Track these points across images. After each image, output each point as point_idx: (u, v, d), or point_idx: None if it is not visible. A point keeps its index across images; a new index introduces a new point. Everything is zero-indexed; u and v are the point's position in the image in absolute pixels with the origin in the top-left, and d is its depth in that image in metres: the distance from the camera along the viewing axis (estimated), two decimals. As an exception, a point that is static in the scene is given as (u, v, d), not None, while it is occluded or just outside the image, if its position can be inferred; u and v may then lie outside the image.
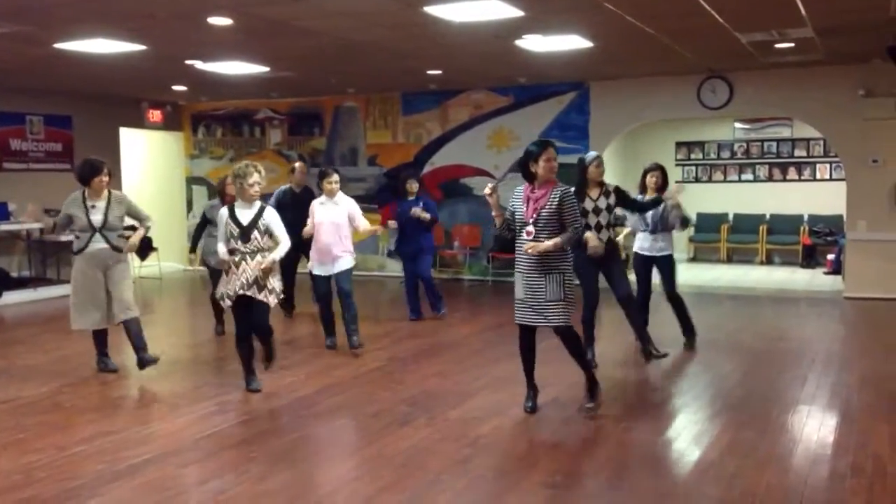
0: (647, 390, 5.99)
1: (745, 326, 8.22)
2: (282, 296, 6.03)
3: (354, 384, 6.19)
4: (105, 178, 6.41)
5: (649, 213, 7.03)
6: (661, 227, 7.13)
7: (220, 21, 6.84)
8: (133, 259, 12.74)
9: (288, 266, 8.95)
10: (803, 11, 6.76)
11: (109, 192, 6.50)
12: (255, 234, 5.77)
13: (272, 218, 5.87)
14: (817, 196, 13.67)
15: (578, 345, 5.32)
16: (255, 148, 13.94)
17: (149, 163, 14.60)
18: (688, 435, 5.03)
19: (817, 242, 13.42)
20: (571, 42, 8.11)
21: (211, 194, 14.17)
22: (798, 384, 6.10)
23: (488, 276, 12.02)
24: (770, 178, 14.12)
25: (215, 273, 7.48)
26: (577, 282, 5.23)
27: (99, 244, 6.40)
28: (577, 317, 5.50)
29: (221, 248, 5.85)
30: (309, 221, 7.23)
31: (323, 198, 7.27)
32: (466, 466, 4.43)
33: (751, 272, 12.95)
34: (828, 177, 13.71)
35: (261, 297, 5.77)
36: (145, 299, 11.62)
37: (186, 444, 4.88)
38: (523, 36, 7.79)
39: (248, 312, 5.83)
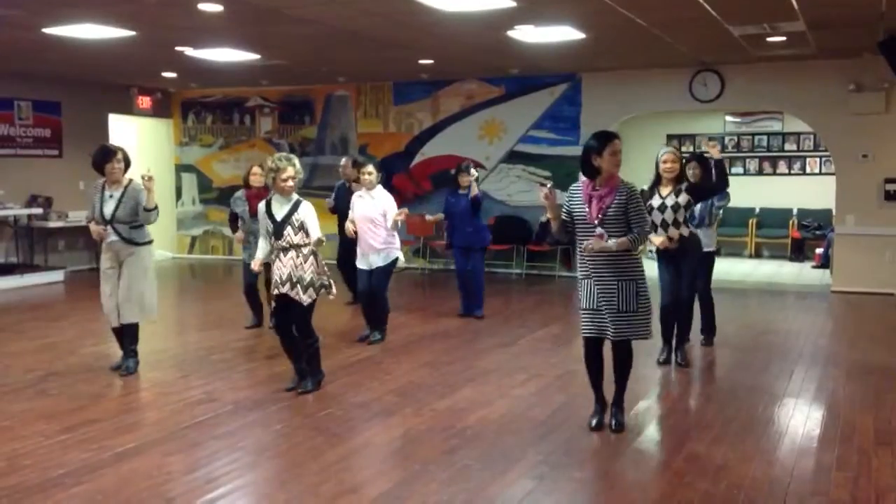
0: (632, 382, 5.99)
1: (733, 319, 8.24)
2: (322, 291, 5.57)
3: (342, 374, 6.18)
4: (119, 165, 6.03)
5: (697, 207, 6.52)
6: (708, 222, 6.75)
7: (210, 7, 6.78)
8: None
9: (348, 261, 8.69)
10: (795, 5, 6.76)
11: (130, 182, 6.11)
12: (289, 229, 5.46)
13: (307, 213, 5.51)
14: (807, 190, 13.71)
15: (629, 367, 4.85)
16: (245, 136, 13.88)
17: (138, 150, 14.44)
18: (674, 427, 5.04)
19: (806, 236, 13.48)
20: (563, 33, 8.09)
21: (200, 182, 14.15)
22: (785, 377, 6.12)
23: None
24: (760, 172, 14.16)
25: (247, 268, 7.40)
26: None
27: (112, 236, 6.07)
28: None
29: (263, 246, 5.67)
30: (350, 216, 7.14)
31: (361, 191, 7.12)
32: (452, 457, 4.43)
33: (740, 265, 12.99)
34: (817, 171, 13.76)
35: (293, 294, 5.44)
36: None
37: (173, 432, 4.86)
38: (515, 26, 7.76)
39: (287, 311, 5.54)
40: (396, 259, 7.15)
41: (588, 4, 6.75)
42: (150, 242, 6.26)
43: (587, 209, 4.65)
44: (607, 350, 4.83)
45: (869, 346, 7.27)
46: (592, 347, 4.83)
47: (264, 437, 4.80)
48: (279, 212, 5.49)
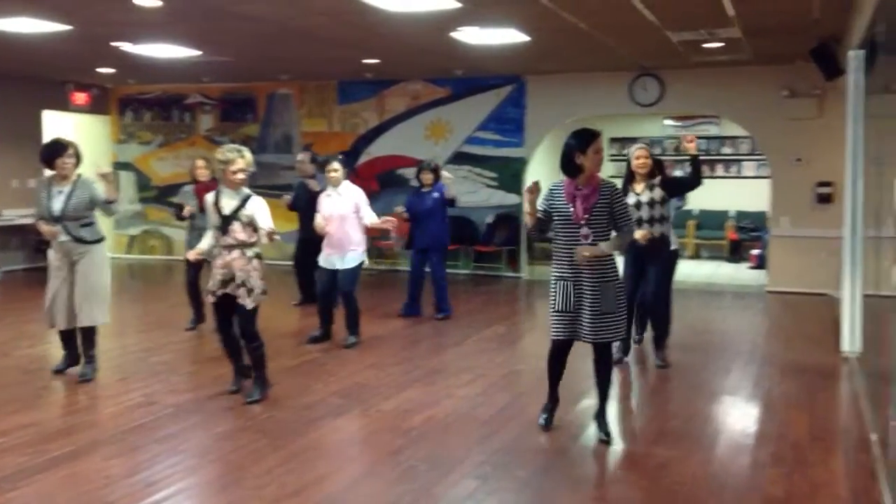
0: (575, 381, 6.07)
1: (673, 319, 8.39)
2: (264, 296, 5.36)
3: (286, 375, 6.12)
4: (70, 161, 5.78)
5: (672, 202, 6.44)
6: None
7: (148, 2, 6.64)
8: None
9: (305, 261, 8.50)
10: (731, 12, 6.93)
11: (78, 178, 5.85)
12: (236, 225, 5.21)
13: (257, 208, 5.26)
14: (743, 193, 14.07)
15: (611, 369, 4.81)
16: (185, 134, 13.64)
17: (74, 147, 14.13)
18: (616, 426, 5.12)
19: (742, 238, 13.83)
20: (508, 35, 8.15)
21: (139, 181, 13.84)
22: (722, 375, 6.28)
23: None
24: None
25: (189, 263, 7.21)
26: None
27: (62, 236, 5.77)
28: None
29: (208, 240, 5.43)
30: (318, 215, 6.94)
31: (329, 189, 6.99)
32: (398, 458, 4.43)
33: (679, 266, 13.22)
34: (753, 174, 14.12)
35: (238, 296, 5.24)
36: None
37: (112, 436, 4.75)
38: (460, 28, 7.79)
39: (228, 312, 5.35)
40: (363, 261, 7.04)
41: (532, 8, 6.81)
42: (102, 240, 6.00)
43: (572, 209, 4.53)
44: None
45: (803, 345, 7.49)
46: (562, 350, 4.76)
47: (206, 441, 4.73)
48: (227, 206, 5.25)
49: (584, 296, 4.54)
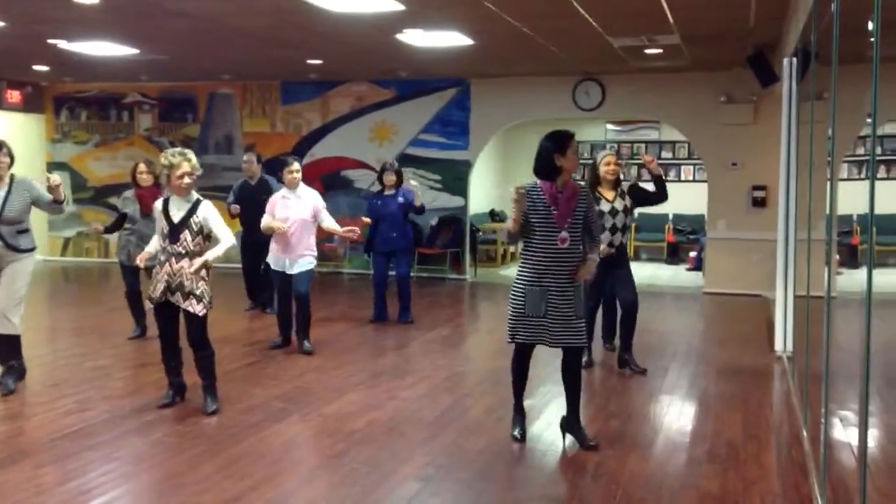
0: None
1: (614, 319, 8.51)
2: (211, 306, 5.15)
3: (226, 380, 6.01)
4: (5, 160, 5.50)
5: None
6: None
7: (85, -1, 6.49)
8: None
9: (252, 266, 8.55)
10: (671, 19, 7.07)
11: (12, 178, 5.53)
12: (186, 234, 5.00)
13: (209, 214, 5.07)
14: (682, 196, 14.31)
15: (580, 375, 4.76)
16: (123, 133, 13.35)
17: (6, 146, 13.71)
18: (555, 426, 5.17)
19: (680, 240, 14.11)
20: (452, 39, 8.18)
21: (74, 181, 13.48)
22: (660, 375, 6.39)
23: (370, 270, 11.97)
24: (639, 179, 14.70)
25: (128, 271, 7.12)
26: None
27: None
28: None
29: (154, 245, 5.24)
30: (266, 217, 6.75)
31: (284, 190, 6.76)
32: (340, 461, 4.40)
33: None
34: (691, 178, 14.43)
35: (185, 305, 5.03)
36: None
37: (43, 443, 4.62)
38: (404, 30, 7.79)
39: (173, 321, 5.16)
40: (314, 265, 6.92)
41: (475, 11, 6.85)
42: (34, 249, 5.70)
43: (555, 212, 4.43)
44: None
45: (738, 346, 7.67)
46: (527, 354, 4.70)
47: (141, 447, 4.62)
48: (176, 213, 5.03)
49: (555, 301, 4.45)
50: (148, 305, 5.23)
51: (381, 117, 12.06)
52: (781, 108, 7.01)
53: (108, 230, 7.43)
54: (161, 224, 5.10)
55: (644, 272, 12.96)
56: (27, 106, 13.17)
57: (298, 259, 6.74)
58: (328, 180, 12.08)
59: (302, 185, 6.84)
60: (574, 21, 7.08)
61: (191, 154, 5.09)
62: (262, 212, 7.11)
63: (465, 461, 4.45)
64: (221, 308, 8.53)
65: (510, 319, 4.59)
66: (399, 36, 8.05)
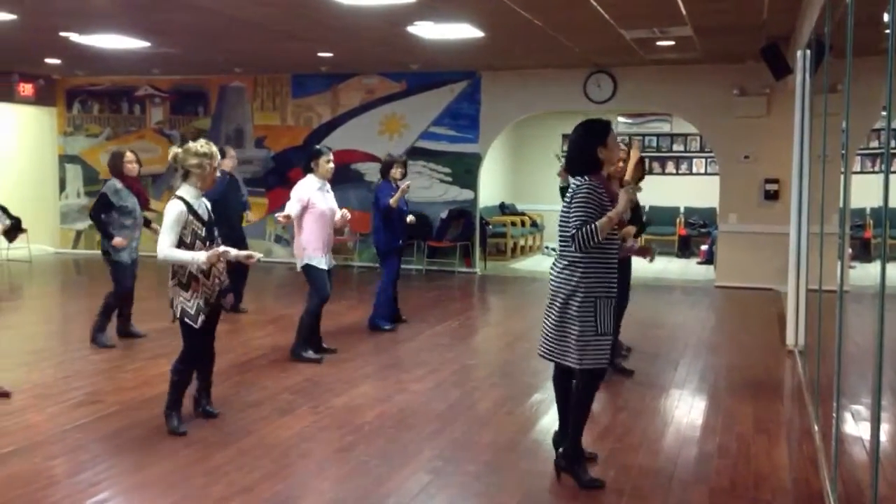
0: (526, 375, 6.11)
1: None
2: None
3: (236, 373, 6.04)
4: None
5: None
6: None
7: (96, -9, 6.50)
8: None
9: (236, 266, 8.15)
10: (683, 11, 7.02)
11: None
12: (215, 230, 4.73)
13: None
14: (693, 189, 14.29)
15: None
16: (134, 126, 13.38)
17: (19, 139, 13.78)
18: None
19: (692, 233, 14.05)
20: (463, 31, 8.15)
21: (86, 174, 13.54)
22: (670, 369, 6.36)
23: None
24: (650, 172, 14.62)
25: (128, 271, 6.71)
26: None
27: None
28: None
29: (179, 252, 4.50)
30: (297, 206, 6.17)
31: (318, 182, 6.32)
32: (349, 454, 4.40)
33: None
34: (703, 171, 14.35)
35: (224, 304, 4.85)
36: (13, 283, 11.01)
37: (54, 435, 4.64)
38: (415, 22, 7.77)
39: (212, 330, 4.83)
40: None
41: (486, 3, 6.82)
42: None
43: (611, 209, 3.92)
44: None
45: (749, 340, 7.63)
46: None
47: (152, 438, 4.63)
48: (203, 210, 4.66)
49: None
50: (202, 320, 4.64)
51: (391, 110, 12.04)
52: (795, 101, 6.95)
53: (104, 230, 6.61)
54: (192, 228, 4.55)
55: (655, 266, 12.90)
56: (39, 99, 13.22)
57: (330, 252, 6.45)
58: (338, 173, 12.04)
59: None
60: (585, 13, 7.04)
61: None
62: (235, 209, 7.14)
63: (474, 454, 4.45)
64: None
65: (594, 342, 3.90)
66: (410, 28, 8.03)
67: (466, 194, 11.77)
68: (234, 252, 4.70)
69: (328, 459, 4.33)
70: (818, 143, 6.09)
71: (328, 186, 6.46)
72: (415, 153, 11.90)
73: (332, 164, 6.42)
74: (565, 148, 6.92)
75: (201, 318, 4.62)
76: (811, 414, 5.07)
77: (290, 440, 4.61)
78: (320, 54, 10.17)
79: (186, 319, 4.61)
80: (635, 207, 5.97)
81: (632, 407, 5.37)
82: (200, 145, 4.64)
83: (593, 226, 3.79)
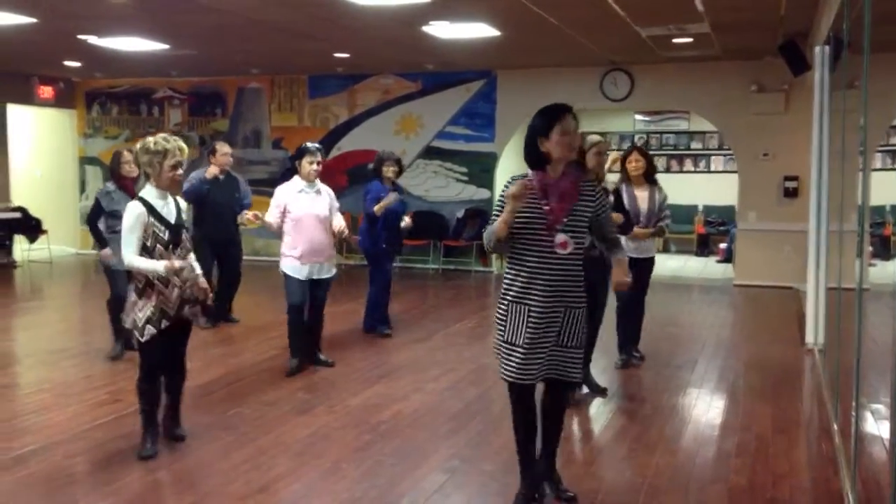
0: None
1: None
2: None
3: (252, 372, 6.07)
4: None
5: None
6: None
7: (114, -6, 6.56)
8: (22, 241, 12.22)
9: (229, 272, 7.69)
10: (700, 7, 6.98)
11: None
12: (184, 234, 4.35)
13: (187, 212, 4.58)
14: (711, 187, 14.19)
15: (563, 415, 3.86)
16: (153, 127, 13.45)
17: (39, 141, 13.93)
18: (582, 419, 5.15)
19: (710, 232, 13.97)
20: (478, 30, 8.15)
21: (106, 175, 13.64)
22: (689, 368, 6.33)
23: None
24: (668, 170, 14.55)
25: (120, 275, 5.94)
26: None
27: None
28: None
29: (141, 260, 4.18)
30: (274, 211, 5.88)
31: (301, 184, 5.91)
32: (365, 453, 4.42)
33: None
34: (721, 169, 14.25)
35: (192, 317, 4.44)
36: (34, 284, 11.13)
37: (75, 433, 4.69)
38: (430, 22, 7.77)
39: (175, 342, 4.44)
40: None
41: (501, 2, 6.81)
42: None
43: (545, 208, 3.49)
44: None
45: (768, 338, 7.57)
46: (527, 396, 3.70)
47: (170, 438, 4.67)
48: (168, 212, 4.28)
49: (554, 322, 3.55)
50: (151, 332, 4.23)
51: (407, 110, 12.05)
52: (813, 98, 6.89)
53: (98, 236, 6.31)
54: (153, 230, 4.21)
55: (673, 264, 12.86)
56: (59, 101, 13.35)
57: (328, 261, 6.01)
58: (354, 174, 12.11)
59: (317, 181, 5.99)
60: (601, 10, 7.02)
61: (181, 142, 4.38)
62: (229, 209, 6.98)
63: (490, 453, 4.45)
64: (248, 296, 8.61)
65: (500, 350, 3.63)
66: (425, 28, 8.04)
67: (482, 193, 11.77)
68: (187, 272, 4.28)
69: (344, 459, 4.34)
70: (837, 140, 6.04)
71: (319, 188, 5.96)
72: (431, 153, 11.91)
73: (315, 166, 5.84)
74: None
75: (149, 329, 4.20)
76: (830, 413, 5.02)
77: (306, 439, 4.63)
78: (336, 55, 10.20)
79: (134, 330, 4.27)
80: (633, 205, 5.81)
81: (649, 406, 5.35)
82: (154, 142, 4.29)
83: (487, 228, 3.57)
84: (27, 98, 12.82)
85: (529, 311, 3.51)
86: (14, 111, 12.73)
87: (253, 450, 4.45)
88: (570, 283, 3.54)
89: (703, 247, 13.91)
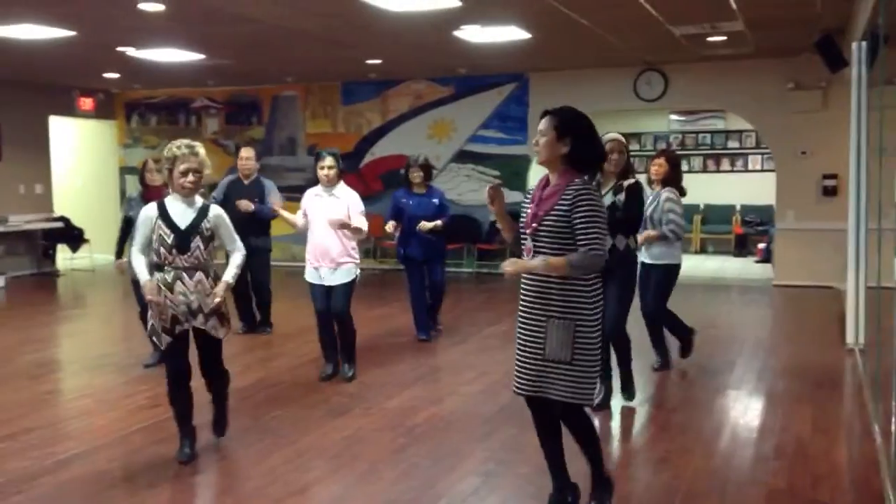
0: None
1: (678, 314, 8.38)
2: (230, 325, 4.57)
3: (290, 376, 6.14)
4: None
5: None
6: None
7: (151, 7, 6.68)
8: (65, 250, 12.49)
9: (242, 279, 7.01)
10: (734, 5, 6.91)
11: None
12: (198, 241, 4.26)
13: (223, 220, 4.40)
14: (749, 186, 14.02)
15: (588, 434, 3.59)
16: (191, 137, 13.60)
17: (80, 152, 14.23)
18: (618, 420, 5.12)
19: (749, 232, 13.80)
20: (510, 33, 8.16)
21: (145, 184, 13.88)
22: (727, 369, 6.26)
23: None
24: (704, 170, 14.43)
25: (136, 286, 5.49)
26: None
27: None
28: None
29: (139, 264, 4.32)
30: (299, 213, 5.98)
31: (318, 188, 5.95)
32: (401, 455, 4.44)
33: (685, 261, 13.09)
34: (759, 168, 14.07)
35: (209, 329, 4.36)
36: (76, 292, 11.36)
37: (116, 438, 4.79)
38: (461, 26, 7.80)
39: (186, 353, 4.38)
40: (357, 275, 5.99)
41: (533, 5, 6.82)
42: None
43: (528, 212, 3.47)
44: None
45: (808, 339, 7.46)
46: (536, 410, 3.64)
47: (209, 442, 4.73)
48: (181, 218, 4.26)
49: (531, 333, 3.40)
50: (166, 340, 4.30)
51: (439, 115, 12.10)
52: (850, 94, 6.79)
53: (119, 245, 6.41)
54: (159, 233, 4.24)
55: (710, 265, 12.73)
56: (99, 112, 13.63)
57: (338, 267, 5.85)
58: (388, 179, 12.17)
59: (342, 185, 5.94)
60: (633, 11, 6.99)
61: (199, 147, 4.31)
62: (248, 216, 6.89)
63: (525, 456, 4.44)
64: (285, 301, 8.70)
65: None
66: (457, 32, 8.07)
67: (515, 196, 11.72)
68: (163, 303, 4.23)
69: (381, 461, 4.37)
70: (875, 136, 5.94)
71: (338, 193, 5.89)
72: (463, 156, 11.94)
73: (325, 171, 5.81)
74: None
75: (164, 337, 4.27)
76: (871, 413, 4.94)
77: (343, 442, 4.68)
78: (369, 61, 10.28)
79: (153, 337, 4.37)
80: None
81: (687, 408, 5.31)
82: (167, 149, 4.30)
83: None
84: (68, 110, 13.10)
85: (518, 318, 3.46)
86: (56, 123, 13.02)
87: (291, 452, 4.50)
88: (551, 291, 3.33)
89: (741, 247, 13.75)
